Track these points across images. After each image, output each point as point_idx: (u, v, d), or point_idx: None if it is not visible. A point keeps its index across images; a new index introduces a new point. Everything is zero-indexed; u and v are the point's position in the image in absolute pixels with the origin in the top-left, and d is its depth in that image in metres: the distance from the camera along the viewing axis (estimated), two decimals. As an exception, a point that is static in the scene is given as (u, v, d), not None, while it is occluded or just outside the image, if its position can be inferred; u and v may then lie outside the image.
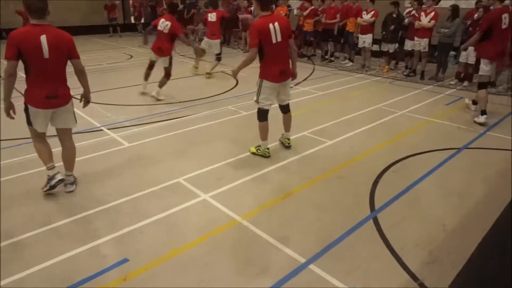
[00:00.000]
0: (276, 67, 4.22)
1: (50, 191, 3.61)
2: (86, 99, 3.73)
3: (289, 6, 12.33)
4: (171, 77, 7.07)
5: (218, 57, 9.09)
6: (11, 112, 3.38)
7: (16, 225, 3.21)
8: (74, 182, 3.79)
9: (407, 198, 3.72)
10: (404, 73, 9.48)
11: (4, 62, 3.25)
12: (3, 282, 2.58)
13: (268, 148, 4.60)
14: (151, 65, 7.15)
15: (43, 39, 3.19)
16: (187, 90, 7.88)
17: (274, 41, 4.09)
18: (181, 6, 16.28)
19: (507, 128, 5.70)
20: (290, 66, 4.44)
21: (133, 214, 3.37)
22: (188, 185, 3.91)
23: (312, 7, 11.16)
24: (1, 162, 4.34)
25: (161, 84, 6.96)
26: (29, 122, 3.46)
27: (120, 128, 5.56)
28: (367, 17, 9.60)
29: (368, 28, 9.67)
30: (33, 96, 3.35)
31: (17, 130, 4.71)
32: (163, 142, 5.11)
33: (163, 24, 6.71)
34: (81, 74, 3.54)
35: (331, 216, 3.41)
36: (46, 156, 3.58)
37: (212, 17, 8.83)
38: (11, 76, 3.19)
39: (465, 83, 8.40)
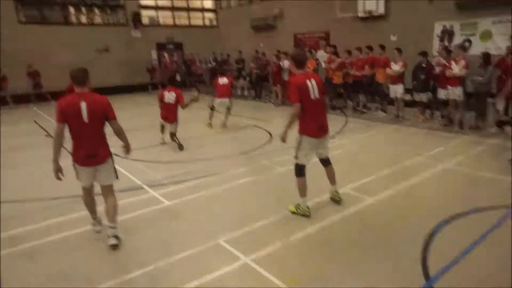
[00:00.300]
0: (315, 123, 4.32)
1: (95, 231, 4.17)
2: (126, 149, 4.09)
3: (316, 59, 12.75)
4: (207, 131, 7.28)
5: (229, 111, 9.84)
6: (59, 174, 3.76)
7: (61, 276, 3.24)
8: (117, 237, 3.93)
9: (463, 266, 3.46)
10: (441, 123, 9.28)
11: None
12: None
13: (308, 207, 4.52)
14: (163, 127, 8.24)
15: (83, 105, 3.64)
16: (222, 146, 8.07)
17: (312, 97, 4.23)
18: (213, 63, 17.20)
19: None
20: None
21: (170, 282, 3.32)
22: (228, 246, 3.86)
23: (340, 59, 11.42)
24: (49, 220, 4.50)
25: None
26: (77, 177, 3.93)
27: (159, 186, 5.69)
28: (396, 67, 9.70)
29: (398, 79, 9.73)
30: (76, 155, 3.80)
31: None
32: (201, 200, 5.16)
33: (169, 96, 7.73)
34: (118, 133, 3.94)
35: (385, 283, 3.22)
36: (91, 208, 4.14)
37: (223, 81, 9.70)
38: (58, 136, 3.69)
39: (508, 129, 8.05)
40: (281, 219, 4.47)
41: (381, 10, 12.66)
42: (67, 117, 3.64)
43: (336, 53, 11.58)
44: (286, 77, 13.27)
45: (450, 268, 3.35)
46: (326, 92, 4.59)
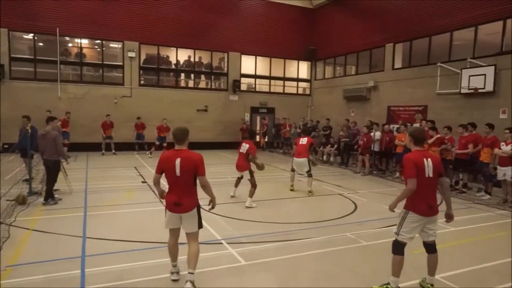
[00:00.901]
0: (425, 202, 4.14)
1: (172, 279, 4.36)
2: (212, 205, 4.39)
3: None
4: (288, 197, 7.26)
5: (309, 174, 9.49)
6: (163, 194, 4.46)
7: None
8: (193, 283, 4.10)
9: None
10: None
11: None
12: None
13: None
14: (239, 178, 8.86)
15: (177, 161, 4.14)
16: (304, 211, 7.91)
17: (426, 175, 4.10)
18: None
19: None
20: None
21: None
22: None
23: (438, 135, 10.78)
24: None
25: (251, 194, 8.18)
26: (166, 225, 4.38)
27: (238, 244, 5.70)
28: (506, 148, 8.75)
29: (508, 160, 8.72)
30: (167, 201, 4.29)
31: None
32: (278, 265, 5.00)
33: (244, 146, 8.45)
34: (204, 188, 4.28)
35: None
36: (172, 256, 4.41)
37: (303, 141, 9.66)
38: (156, 184, 4.45)
39: None
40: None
41: (489, 87, 11.83)
42: (164, 169, 4.23)
43: (434, 129, 10.99)
44: (376, 148, 12.91)
45: None
46: (444, 173, 4.28)
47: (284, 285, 4.38)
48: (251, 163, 8.37)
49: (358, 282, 4.43)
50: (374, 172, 13.08)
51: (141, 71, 18.33)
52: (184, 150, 4.23)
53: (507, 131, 8.86)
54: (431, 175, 4.12)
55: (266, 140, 20.60)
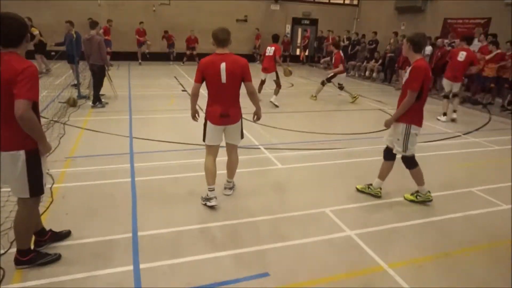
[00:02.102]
0: (422, 112, 4.05)
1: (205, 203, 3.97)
2: (258, 116, 4.08)
3: (468, 48, 11.20)
4: (327, 109, 7.17)
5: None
6: (196, 116, 4.00)
7: (176, 219, 3.68)
8: (232, 188, 4.27)
9: None
10: None
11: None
12: (157, 263, 2.95)
13: (429, 192, 4.20)
14: (262, 82, 9.21)
15: (223, 66, 3.62)
16: (344, 123, 7.87)
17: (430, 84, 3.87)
18: (346, 42, 16.63)
19: None
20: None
21: (275, 233, 3.47)
22: (334, 217, 3.81)
23: (498, 50, 9.81)
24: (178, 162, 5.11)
25: (276, 92, 8.96)
26: (204, 138, 3.93)
27: (275, 150, 5.88)
28: None
29: None
30: (210, 113, 3.83)
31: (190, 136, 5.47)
32: (314, 169, 5.17)
33: (269, 49, 8.84)
34: (252, 95, 3.85)
35: None
36: (210, 178, 3.93)
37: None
38: (194, 95, 3.84)
39: None
40: (391, 204, 4.20)
41: None
42: (206, 76, 3.68)
43: (496, 43, 9.97)
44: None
45: None
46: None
47: (321, 189, 4.55)
48: (277, 67, 8.77)
49: (391, 187, 4.52)
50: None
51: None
52: (228, 53, 3.68)
53: None
54: (430, 85, 3.92)
55: (307, 54, 19.81)
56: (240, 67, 3.68)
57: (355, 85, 13.19)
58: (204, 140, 3.94)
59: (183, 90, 10.49)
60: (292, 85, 12.81)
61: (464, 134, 7.33)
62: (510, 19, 11.93)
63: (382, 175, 4.33)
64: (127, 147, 5.68)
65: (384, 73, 14.60)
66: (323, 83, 10.06)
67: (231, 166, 4.17)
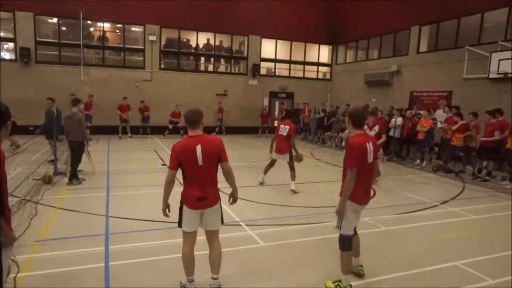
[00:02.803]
0: (364, 188, 3.90)
1: None
2: (233, 198, 3.86)
3: (434, 119, 11.95)
4: (310, 181, 7.25)
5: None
6: (166, 211, 3.71)
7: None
8: None
9: None
10: None
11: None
12: None
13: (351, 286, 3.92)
14: (272, 163, 8.48)
15: (198, 148, 3.50)
16: (326, 195, 7.90)
17: (368, 161, 3.80)
18: (321, 114, 17.36)
19: None
20: None
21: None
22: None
23: (463, 121, 10.48)
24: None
25: (293, 177, 8.04)
26: (180, 223, 3.70)
27: (256, 226, 5.76)
28: None
29: None
30: (186, 197, 3.62)
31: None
32: (298, 247, 5.05)
33: (283, 128, 8.03)
34: (228, 175, 3.71)
35: None
36: (189, 268, 3.70)
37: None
38: (169, 183, 3.59)
39: None
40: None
41: (519, 71, 11.36)
42: (182, 160, 3.52)
43: (459, 114, 10.68)
44: (397, 134, 12.68)
45: None
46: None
47: (298, 265, 4.41)
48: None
49: (376, 261, 4.42)
50: (394, 159, 12.87)
51: (162, 55, 18.42)
52: (202, 135, 3.59)
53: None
54: (371, 160, 3.83)
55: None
56: (216, 147, 3.61)
57: (331, 155, 13.54)
58: (179, 225, 3.71)
59: (163, 164, 10.46)
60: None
61: (441, 204, 7.47)
62: (468, 91, 12.97)
63: (355, 252, 4.17)
64: (102, 228, 5.46)
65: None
66: None
67: (216, 258, 3.76)
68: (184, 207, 3.66)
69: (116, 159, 11.24)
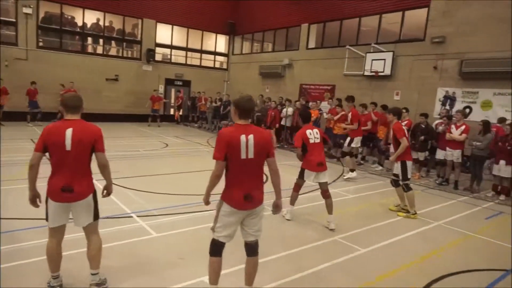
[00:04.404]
0: (241, 190, 3.24)
1: None
2: (107, 192, 3.56)
3: (320, 110, 13.14)
4: (206, 169, 7.25)
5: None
6: (37, 201, 3.34)
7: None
8: (102, 284, 3.48)
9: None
10: (437, 182, 9.36)
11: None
12: None
13: None
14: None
15: (68, 132, 3.20)
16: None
17: (243, 156, 3.22)
18: (218, 103, 17.51)
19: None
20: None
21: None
22: None
23: (343, 112, 11.71)
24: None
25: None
26: (46, 217, 3.33)
27: (149, 217, 5.58)
28: (456, 132, 8.85)
29: (457, 144, 8.82)
30: (51, 188, 3.27)
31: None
32: (192, 235, 5.04)
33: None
34: (103, 168, 3.39)
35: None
36: (54, 264, 3.35)
37: (316, 137, 6.42)
38: (31, 167, 3.22)
39: (502, 197, 8.13)
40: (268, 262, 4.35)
41: (388, 71, 13.15)
42: (48, 143, 3.20)
43: (340, 106, 11.91)
44: (288, 123, 13.57)
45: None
46: (273, 154, 3.45)
47: (200, 257, 4.43)
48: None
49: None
50: (285, 146, 13.75)
51: (40, 31, 16.23)
52: (77, 120, 3.32)
53: (403, 110, 9.80)
54: (251, 156, 3.19)
55: (181, 113, 20.12)
56: (91, 134, 3.30)
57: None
58: (46, 219, 3.32)
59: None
60: (167, 145, 12.69)
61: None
62: (348, 86, 14.55)
63: None
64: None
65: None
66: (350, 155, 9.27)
67: (94, 253, 3.40)
68: (49, 199, 3.29)
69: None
